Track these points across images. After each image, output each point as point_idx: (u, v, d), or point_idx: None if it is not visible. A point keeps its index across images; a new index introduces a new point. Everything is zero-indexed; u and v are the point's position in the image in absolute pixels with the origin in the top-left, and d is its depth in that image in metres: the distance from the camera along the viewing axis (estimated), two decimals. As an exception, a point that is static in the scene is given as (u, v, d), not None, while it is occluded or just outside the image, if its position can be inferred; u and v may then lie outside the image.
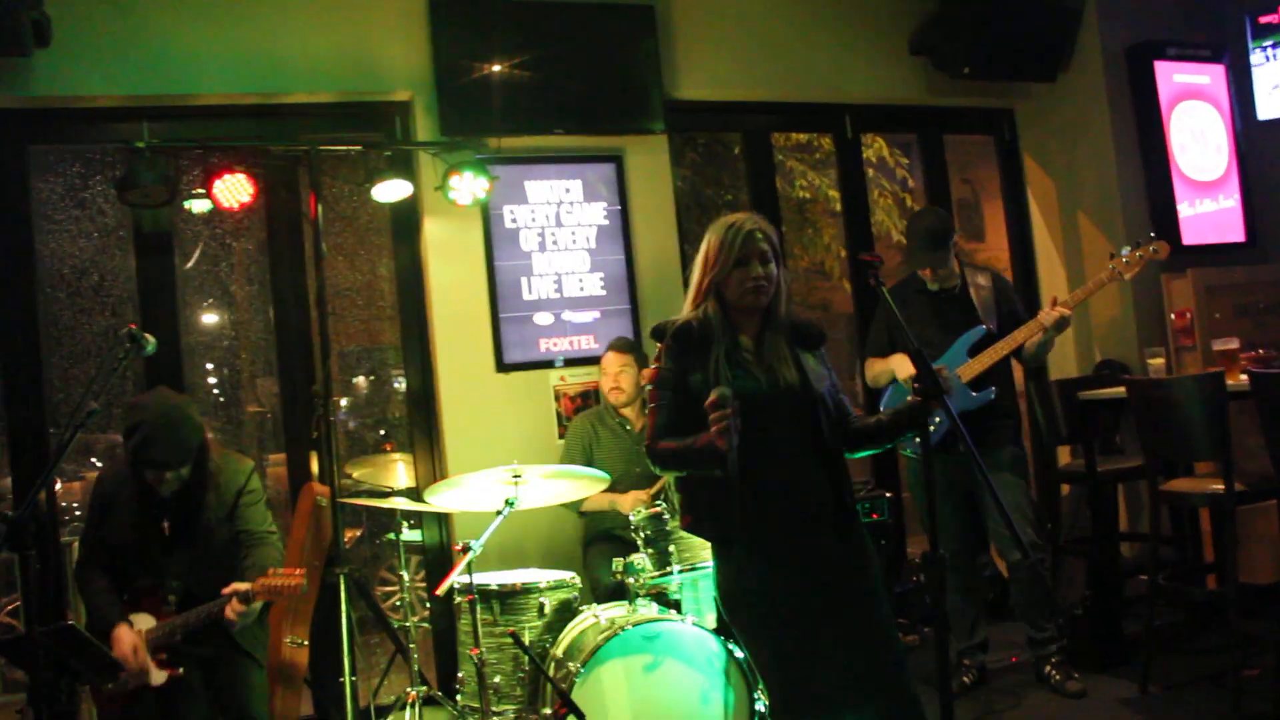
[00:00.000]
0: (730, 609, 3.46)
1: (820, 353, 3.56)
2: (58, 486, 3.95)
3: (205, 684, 4.26)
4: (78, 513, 6.76)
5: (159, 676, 4.11)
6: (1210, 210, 7.16)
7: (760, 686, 4.50)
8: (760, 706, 4.40)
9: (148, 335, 3.83)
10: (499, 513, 4.53)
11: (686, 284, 3.58)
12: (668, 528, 4.60)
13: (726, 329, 3.44)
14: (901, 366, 5.13)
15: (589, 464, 5.22)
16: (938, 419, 5.01)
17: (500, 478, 4.56)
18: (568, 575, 4.85)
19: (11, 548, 3.23)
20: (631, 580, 4.59)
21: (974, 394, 5.10)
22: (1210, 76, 7.32)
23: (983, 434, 5.06)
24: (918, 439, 4.94)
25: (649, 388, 3.54)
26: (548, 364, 6.01)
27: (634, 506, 4.88)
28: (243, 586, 4.07)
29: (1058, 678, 5.20)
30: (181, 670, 4.15)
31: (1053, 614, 5.34)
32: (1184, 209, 7.04)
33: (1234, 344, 5.48)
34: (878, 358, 5.39)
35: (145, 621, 4.16)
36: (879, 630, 3.39)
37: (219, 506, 4.33)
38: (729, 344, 3.43)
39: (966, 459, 4.96)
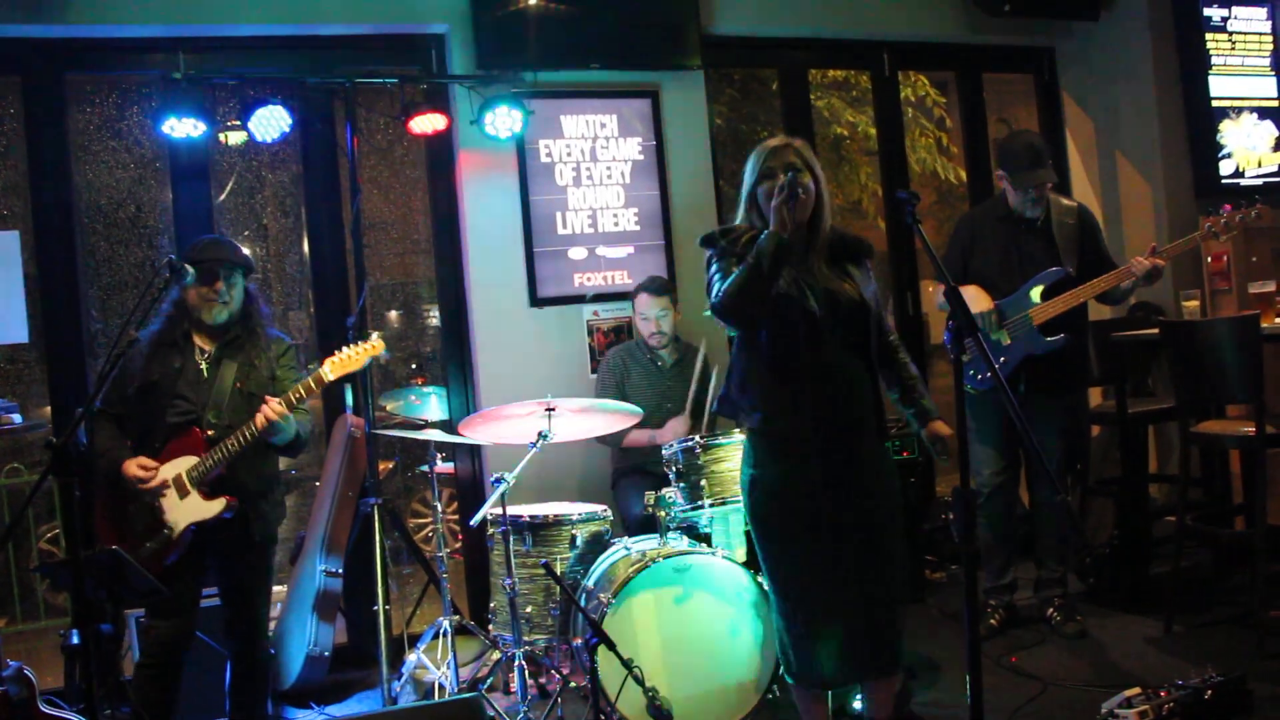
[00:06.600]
0: (760, 518, 3.55)
1: (865, 266, 3.60)
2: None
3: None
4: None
5: (213, 507, 3.99)
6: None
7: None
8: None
9: (188, 265, 3.86)
10: (532, 445, 4.58)
11: (721, 221, 3.59)
12: (699, 461, 4.62)
13: None
14: (977, 300, 5.00)
15: (622, 399, 5.24)
16: (1002, 358, 4.99)
17: (534, 411, 4.61)
18: (599, 508, 4.89)
19: (55, 473, 3.29)
20: (662, 513, 4.64)
21: (1046, 339, 4.95)
22: (1257, 17, 7.19)
23: (1048, 378, 5.00)
24: (979, 376, 4.98)
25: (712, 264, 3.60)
26: (581, 299, 6.03)
27: (675, 438, 4.94)
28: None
29: (1059, 619, 5.21)
30: (238, 500, 4.04)
31: (1064, 559, 5.33)
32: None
33: (1270, 287, 5.43)
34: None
35: (185, 463, 4.00)
36: (886, 557, 3.49)
37: (260, 359, 4.23)
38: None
39: (1024, 399, 4.95)
